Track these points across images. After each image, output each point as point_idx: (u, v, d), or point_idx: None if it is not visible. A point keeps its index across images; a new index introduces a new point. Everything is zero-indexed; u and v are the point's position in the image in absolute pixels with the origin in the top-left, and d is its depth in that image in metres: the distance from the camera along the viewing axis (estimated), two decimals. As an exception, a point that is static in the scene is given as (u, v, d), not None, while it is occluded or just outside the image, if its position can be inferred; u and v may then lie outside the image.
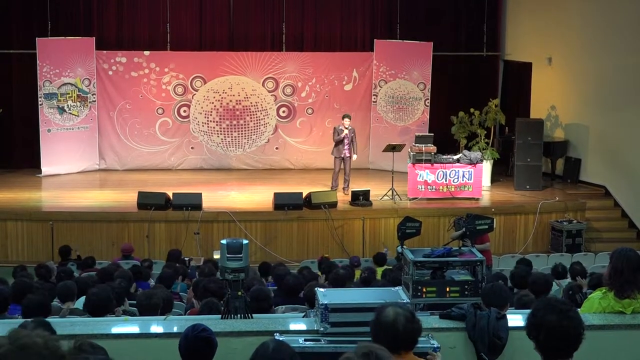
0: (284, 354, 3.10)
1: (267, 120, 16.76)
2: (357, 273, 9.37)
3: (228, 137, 16.64)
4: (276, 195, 13.22)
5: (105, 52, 16.11)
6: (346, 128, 13.95)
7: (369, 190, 13.65)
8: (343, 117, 14.13)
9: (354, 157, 14.20)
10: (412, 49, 16.36)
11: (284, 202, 13.05)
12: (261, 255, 12.73)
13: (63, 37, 15.73)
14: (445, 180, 13.87)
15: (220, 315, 5.49)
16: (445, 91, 17.15)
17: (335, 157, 14.18)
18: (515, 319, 4.89)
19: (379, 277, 8.83)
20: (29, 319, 4.52)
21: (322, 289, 4.93)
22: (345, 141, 14.08)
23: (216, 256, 11.38)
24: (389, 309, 3.39)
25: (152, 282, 8.93)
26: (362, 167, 16.57)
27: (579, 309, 3.93)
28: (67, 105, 15.84)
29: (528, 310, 3.47)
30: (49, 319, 4.81)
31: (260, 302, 6.34)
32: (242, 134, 16.67)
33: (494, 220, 9.46)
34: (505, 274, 8.59)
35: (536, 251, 13.06)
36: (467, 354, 4.76)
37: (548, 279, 7.47)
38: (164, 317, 5.45)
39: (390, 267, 9.59)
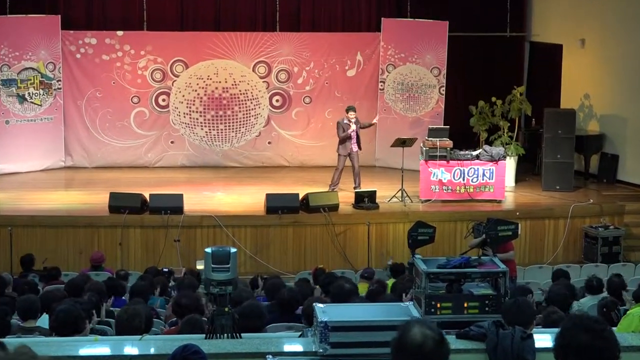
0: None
1: (258, 111, 16.77)
2: (362, 287, 9.38)
3: (213, 129, 16.64)
4: (269, 196, 13.22)
5: (72, 32, 16.10)
6: (352, 122, 13.96)
7: (375, 191, 13.66)
8: (347, 110, 14.13)
9: (375, 121, 14.21)
10: (424, 29, 16.36)
11: (277, 205, 13.04)
12: (251, 265, 12.72)
13: (24, 15, 15.71)
14: (463, 180, 13.88)
15: (204, 335, 5.49)
16: (463, 77, 17.15)
17: (339, 155, 14.18)
18: (543, 338, 4.89)
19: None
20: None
21: (321, 305, 4.93)
22: (353, 135, 14.10)
23: (199, 267, 11.36)
24: (416, 329, 3.25)
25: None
26: (368, 165, 16.56)
27: (614, 328, 3.94)
28: (29, 93, 15.84)
29: (557, 329, 3.48)
30: (6, 339, 4.81)
31: (251, 319, 6.35)
32: (229, 126, 16.68)
33: (519, 225, 9.45)
34: (531, 287, 8.60)
35: (567, 261, 13.05)
36: (487, 379, 4.76)
37: (567, 294, 7.47)
38: (139, 337, 5.45)
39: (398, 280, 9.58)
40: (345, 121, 14.05)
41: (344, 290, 7.71)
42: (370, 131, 16.85)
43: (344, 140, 14.09)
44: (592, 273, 9.78)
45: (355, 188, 14.17)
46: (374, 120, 14.48)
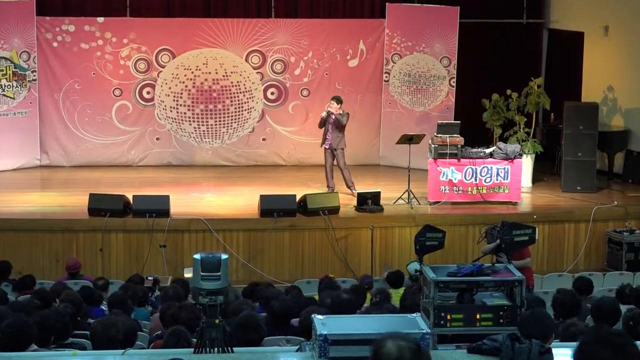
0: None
1: (251, 104, 16.77)
2: (369, 297, 9.38)
3: (203, 125, 16.64)
4: (263, 198, 13.22)
5: (48, 18, 16.09)
6: (328, 111, 13.94)
7: (379, 193, 13.66)
8: (331, 99, 14.16)
9: (343, 143, 13.98)
10: (433, 15, 16.37)
11: (272, 207, 13.04)
12: (244, 273, 12.72)
13: (-5, 0, 15.73)
14: (475, 180, 13.88)
15: (191, 349, 5.50)
16: (475, 68, 17.15)
17: (324, 149, 14.21)
18: (562, 353, 4.90)
19: (396, 302, 8.82)
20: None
21: (320, 316, 4.93)
22: (329, 127, 14.09)
23: (187, 275, 11.36)
24: (390, 343, 3.36)
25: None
26: (371, 164, 16.56)
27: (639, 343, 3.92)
28: (0, 85, 15.83)
29: (576, 344, 3.48)
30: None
31: (248, 331, 6.34)
32: (220, 121, 16.68)
33: (536, 230, 9.44)
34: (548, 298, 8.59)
35: (589, 269, 13.05)
36: (501, 397, 4.76)
37: (617, 305, 7.44)
38: (121, 351, 5.46)
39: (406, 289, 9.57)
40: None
41: (343, 300, 7.70)
42: (374, 127, 16.87)
43: (323, 131, 14.11)
44: (617, 281, 9.76)
45: (349, 188, 14.14)
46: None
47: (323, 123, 14.11)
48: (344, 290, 8.82)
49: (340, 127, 14.06)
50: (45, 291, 8.72)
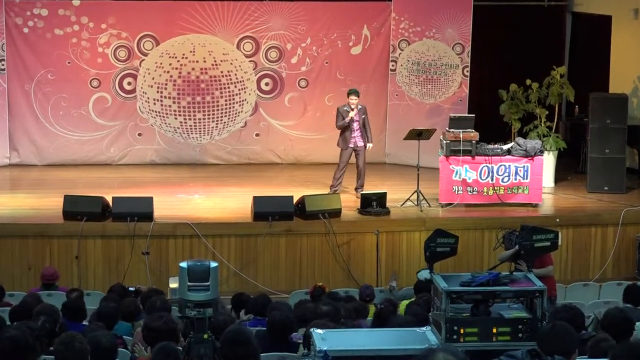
0: None
1: (243, 96, 16.76)
2: (373, 309, 9.39)
3: (190, 119, 16.64)
4: (256, 200, 13.21)
5: (18, 1, 16.08)
6: (353, 108, 13.94)
7: (385, 194, 13.66)
8: (349, 94, 14.13)
9: (369, 146, 14.23)
10: (445, -3, 16.40)
11: (267, 210, 13.04)
12: (236, 283, 12.71)
13: (-40, -19, 15.73)
14: (492, 180, 13.87)
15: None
16: (492, 56, 17.14)
17: (341, 149, 14.19)
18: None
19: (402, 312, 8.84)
20: None
21: (319, 330, 4.94)
22: (355, 126, 14.09)
23: (173, 285, 11.34)
24: (440, 355, 3.32)
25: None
26: (376, 162, 16.54)
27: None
28: (-34, 75, 15.84)
29: None
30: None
31: (237, 347, 6.34)
32: (209, 115, 16.67)
33: (559, 234, 9.44)
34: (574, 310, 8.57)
35: (618, 277, 13.04)
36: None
37: (627, 316, 7.47)
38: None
39: (413, 300, 9.58)
40: (345, 108, 14.04)
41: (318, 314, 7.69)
42: (380, 121, 16.86)
43: (343, 130, 14.08)
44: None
45: (356, 190, 14.17)
46: (368, 146, 14.30)
47: (345, 125, 14.02)
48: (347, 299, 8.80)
49: (364, 123, 14.10)
50: (24, 305, 8.71)
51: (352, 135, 14.10)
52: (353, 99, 14.00)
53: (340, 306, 8.41)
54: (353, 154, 14.19)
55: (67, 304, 8.83)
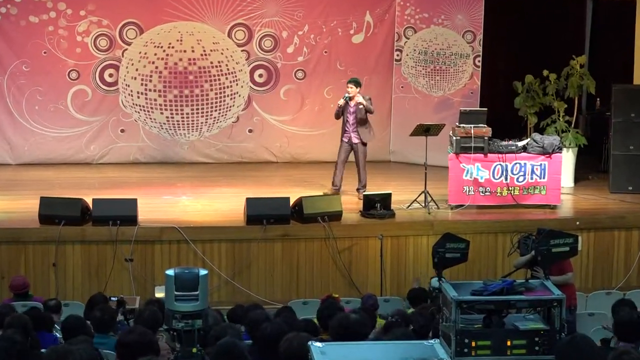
0: None
1: (235, 89, 16.77)
2: (377, 320, 9.37)
3: (177, 114, 16.64)
4: (250, 202, 13.22)
5: (-10, -14, 16.11)
6: (347, 97, 13.91)
7: (389, 195, 13.66)
8: (348, 83, 14.14)
9: (370, 136, 14.12)
10: (454, -19, 16.42)
11: (261, 213, 13.04)
12: (227, 292, 12.71)
13: None
14: (506, 179, 13.88)
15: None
16: (505, 44, 17.15)
17: (340, 142, 14.21)
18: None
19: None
20: None
21: (318, 343, 4.94)
22: (350, 119, 14.08)
23: (159, 294, 11.34)
24: None
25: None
26: (380, 160, 16.55)
27: None
28: None
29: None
30: None
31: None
32: (198, 109, 16.68)
33: (579, 238, 9.47)
34: (596, 319, 8.60)
35: (643, 285, 13.10)
36: None
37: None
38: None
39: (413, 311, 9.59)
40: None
41: (350, 323, 7.67)
42: (383, 115, 16.87)
43: (342, 122, 14.09)
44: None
45: (358, 190, 14.18)
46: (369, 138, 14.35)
47: (341, 113, 14.05)
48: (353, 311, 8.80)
49: (363, 117, 14.07)
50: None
51: (347, 129, 14.09)
52: (349, 87, 13.99)
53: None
54: (351, 150, 14.19)
55: (34, 314, 8.80)
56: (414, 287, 11.64)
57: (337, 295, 11.19)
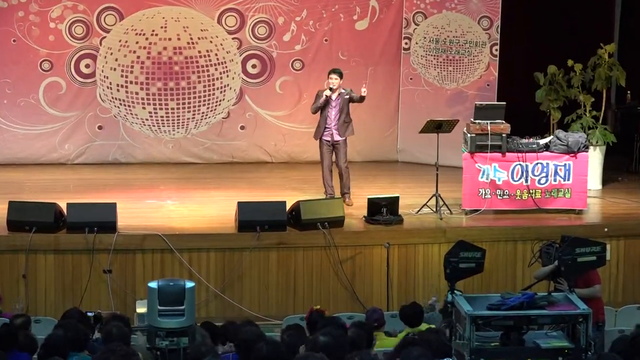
0: None
1: (226, 81, 16.77)
2: (383, 338, 9.36)
3: (161, 109, 16.64)
4: (242, 206, 13.23)
5: (-48, -34, 16.12)
6: (331, 88, 13.90)
7: (397, 198, 13.66)
8: (329, 73, 14.07)
9: (364, 91, 13.95)
10: (469, -39, 16.43)
11: (255, 218, 13.04)
12: (217, 307, 12.72)
13: None
14: (526, 181, 13.88)
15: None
16: (526, 31, 17.14)
17: (319, 143, 14.19)
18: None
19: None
20: None
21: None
22: (332, 114, 14.06)
23: (141, 309, 11.32)
24: None
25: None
26: (387, 159, 16.55)
27: None
28: None
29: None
30: None
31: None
32: (184, 104, 16.68)
33: (607, 247, 9.47)
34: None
35: (679, 299, 13.11)
36: None
37: None
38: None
39: (433, 327, 9.60)
40: (325, 91, 14.04)
41: (341, 340, 7.67)
42: (390, 110, 16.87)
43: (320, 118, 14.06)
44: None
45: (344, 195, 14.14)
46: (363, 91, 14.19)
47: (321, 108, 14.05)
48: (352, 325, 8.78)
49: (347, 111, 14.06)
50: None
51: (327, 125, 14.06)
52: (333, 78, 13.94)
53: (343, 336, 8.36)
54: (332, 150, 14.18)
55: (3, 331, 8.80)
56: (430, 303, 11.61)
57: (319, 307, 11.13)
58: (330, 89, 13.94)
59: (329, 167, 14.28)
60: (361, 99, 14.05)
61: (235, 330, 9.54)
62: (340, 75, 14.07)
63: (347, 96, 14.03)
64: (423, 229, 13.48)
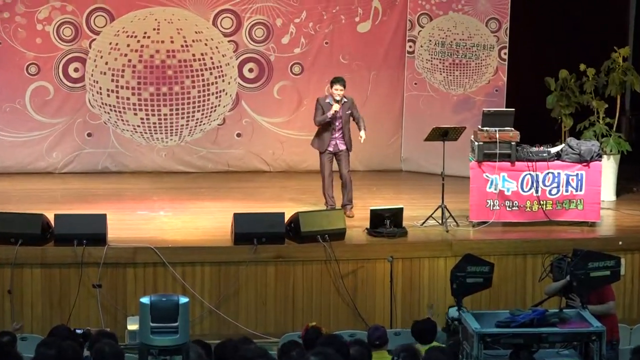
0: None
1: (221, 86, 16.78)
2: (385, 357, 9.37)
3: (153, 115, 16.65)
4: (238, 218, 13.24)
5: None
6: (337, 100, 13.93)
7: (401, 209, 13.67)
8: (332, 83, 14.10)
9: (363, 135, 14.12)
10: (476, -40, 16.47)
11: (251, 231, 13.05)
12: (212, 323, 12.71)
13: None
14: (536, 191, 13.89)
15: None
16: (536, 34, 17.16)
17: (320, 153, 14.22)
18: None
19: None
20: None
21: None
22: (337, 125, 14.09)
23: (132, 326, 11.31)
24: None
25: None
26: (390, 169, 16.56)
27: None
28: None
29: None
30: None
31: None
32: (177, 110, 16.69)
33: (622, 261, 9.48)
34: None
35: (697, 315, 13.11)
36: None
37: None
38: None
39: (441, 345, 9.60)
40: (328, 100, 14.05)
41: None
42: (394, 117, 16.88)
43: (322, 129, 14.06)
44: None
45: (344, 207, 14.16)
46: (361, 135, 14.29)
47: (327, 121, 14.03)
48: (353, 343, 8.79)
49: (349, 120, 14.10)
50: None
51: (332, 136, 14.10)
52: (338, 89, 13.98)
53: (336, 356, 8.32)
54: (335, 160, 14.20)
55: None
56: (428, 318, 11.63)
57: (314, 323, 11.11)
58: (337, 101, 13.95)
59: (329, 177, 14.29)
60: (358, 126, 14.12)
61: (233, 347, 9.55)
62: (344, 85, 14.09)
63: (349, 111, 14.06)
64: (428, 241, 13.48)
